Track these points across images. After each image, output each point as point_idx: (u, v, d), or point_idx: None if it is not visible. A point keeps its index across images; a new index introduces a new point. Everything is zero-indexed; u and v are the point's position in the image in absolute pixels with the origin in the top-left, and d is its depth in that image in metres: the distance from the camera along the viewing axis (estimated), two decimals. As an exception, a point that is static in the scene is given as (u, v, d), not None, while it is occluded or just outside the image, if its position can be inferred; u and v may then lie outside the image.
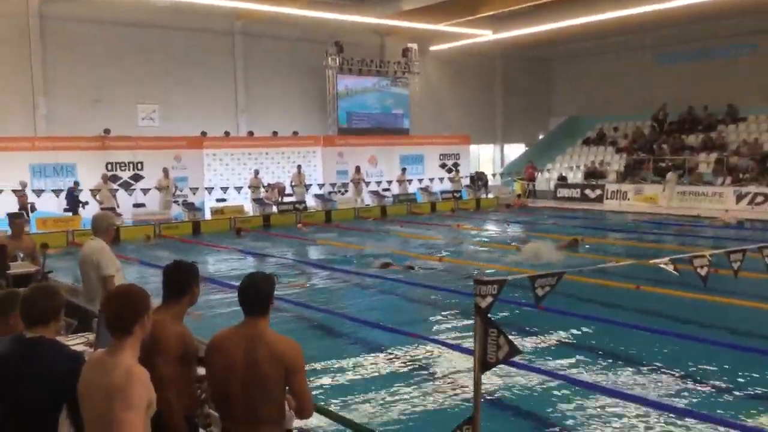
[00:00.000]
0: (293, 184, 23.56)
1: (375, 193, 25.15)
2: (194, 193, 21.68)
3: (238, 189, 22.52)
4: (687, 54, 29.60)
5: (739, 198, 22.48)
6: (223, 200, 22.22)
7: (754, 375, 6.83)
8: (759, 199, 22.13)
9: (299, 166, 23.98)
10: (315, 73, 27.05)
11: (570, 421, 5.87)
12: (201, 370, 3.60)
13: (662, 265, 4.40)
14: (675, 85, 29.20)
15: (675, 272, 4.38)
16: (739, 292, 9.22)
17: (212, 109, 25.01)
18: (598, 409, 6.05)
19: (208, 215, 21.31)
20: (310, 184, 24.09)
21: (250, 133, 24.95)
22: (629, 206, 24.40)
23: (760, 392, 6.46)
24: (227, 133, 24.37)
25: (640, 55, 30.77)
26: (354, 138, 26.80)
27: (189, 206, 21.14)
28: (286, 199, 23.17)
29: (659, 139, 28.39)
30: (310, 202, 23.63)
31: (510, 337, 3.54)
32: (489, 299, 3.72)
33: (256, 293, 3.36)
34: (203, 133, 23.22)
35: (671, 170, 24.58)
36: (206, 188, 22.01)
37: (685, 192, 24.05)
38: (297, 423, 3.75)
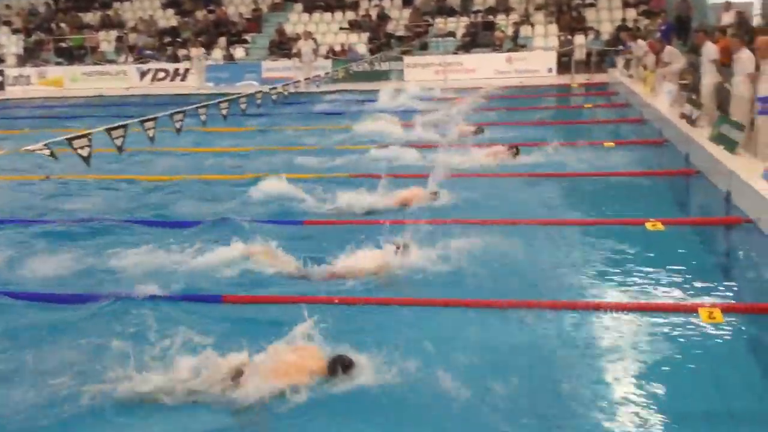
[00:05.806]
0: None
1: None
2: None
3: None
4: None
5: (143, 75, 23.38)
6: None
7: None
8: (161, 75, 23.41)
9: None
10: None
11: None
12: None
13: (38, 151, 4.35)
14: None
15: (51, 157, 4.39)
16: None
17: None
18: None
19: None
20: None
21: None
22: (35, 91, 23.01)
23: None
24: None
25: None
26: None
27: None
28: None
29: (57, 18, 26.98)
30: None
31: None
32: None
33: None
34: None
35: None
36: None
37: (90, 72, 23.78)
38: None
